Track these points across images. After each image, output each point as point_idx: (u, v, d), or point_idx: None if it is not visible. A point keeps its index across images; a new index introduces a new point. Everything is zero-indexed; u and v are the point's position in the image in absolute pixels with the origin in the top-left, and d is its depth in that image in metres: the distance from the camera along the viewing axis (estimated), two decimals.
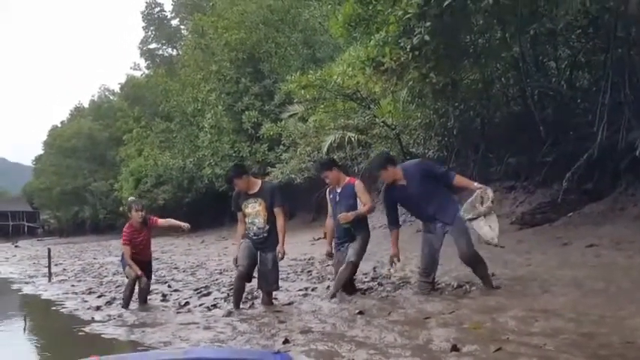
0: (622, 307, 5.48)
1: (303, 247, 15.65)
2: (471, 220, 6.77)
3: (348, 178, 7.98)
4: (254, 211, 7.59)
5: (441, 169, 7.63)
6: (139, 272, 8.67)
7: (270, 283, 7.64)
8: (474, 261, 6.96)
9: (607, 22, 11.07)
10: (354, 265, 7.71)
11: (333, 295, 7.67)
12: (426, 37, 9.75)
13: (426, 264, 7.23)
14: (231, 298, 8.04)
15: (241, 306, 7.84)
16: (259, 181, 7.87)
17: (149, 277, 9.14)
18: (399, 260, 7.59)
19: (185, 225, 9.09)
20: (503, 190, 14.56)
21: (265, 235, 7.53)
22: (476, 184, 7.01)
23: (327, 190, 8.18)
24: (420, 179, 7.00)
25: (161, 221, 9.25)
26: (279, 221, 7.56)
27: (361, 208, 7.64)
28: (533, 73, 13.85)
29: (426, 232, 7.24)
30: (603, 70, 11.43)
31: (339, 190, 7.88)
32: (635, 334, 4.63)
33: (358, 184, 7.86)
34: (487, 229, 6.71)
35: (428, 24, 9.64)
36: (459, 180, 7.12)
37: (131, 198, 8.99)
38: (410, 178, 7.03)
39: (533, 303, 6.00)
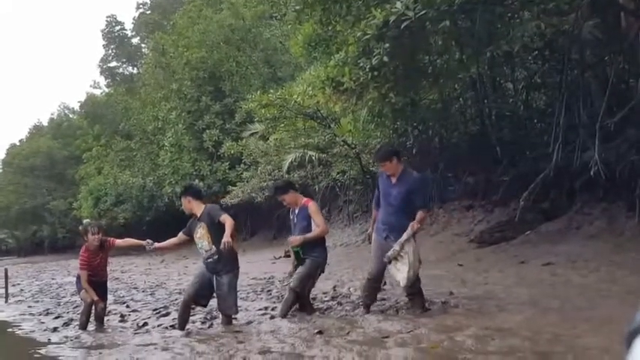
0: (576, 325, 5.56)
1: (263, 266, 15.58)
2: (388, 262, 6.84)
3: (304, 200, 7.93)
4: (199, 235, 7.54)
5: (427, 197, 7.60)
6: (95, 297, 8.51)
7: (229, 305, 7.51)
8: (418, 287, 6.97)
9: (562, 45, 11.30)
10: (294, 292, 7.66)
11: (282, 316, 7.65)
12: (385, 58, 9.82)
13: (378, 269, 7.18)
14: (194, 318, 8.00)
15: (200, 326, 7.80)
16: (203, 206, 7.74)
17: (104, 298, 8.96)
18: (370, 241, 7.53)
19: (147, 242, 8.80)
20: (462, 208, 14.72)
21: (216, 257, 7.41)
22: (413, 224, 6.95)
23: (290, 211, 8.15)
24: (410, 188, 6.94)
25: (119, 241, 9.03)
26: (227, 222, 7.27)
27: (314, 230, 7.61)
28: (490, 94, 14.08)
29: (380, 239, 7.15)
30: (559, 91, 11.66)
31: (296, 212, 7.88)
32: (588, 352, 4.70)
33: (312, 206, 7.80)
34: (395, 271, 6.80)
35: (387, 45, 9.72)
36: (419, 215, 7.02)
37: (86, 220, 8.64)
38: (404, 181, 6.97)
39: (490, 322, 6.06)
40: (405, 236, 6.75)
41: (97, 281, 8.66)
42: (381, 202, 7.18)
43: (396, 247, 6.72)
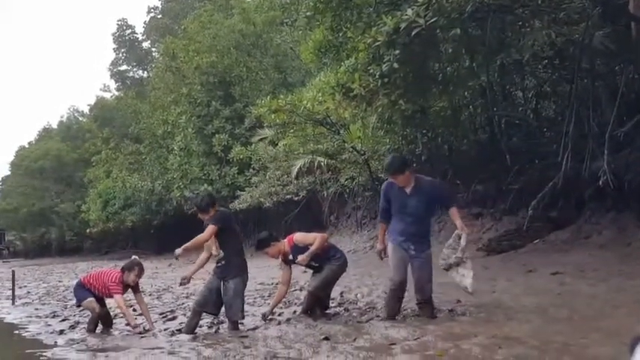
0: (585, 335, 5.52)
1: (270, 271, 15.55)
2: (447, 269, 6.86)
3: (286, 242, 8.07)
4: (210, 241, 7.68)
5: (450, 195, 7.63)
6: (134, 322, 8.48)
7: (234, 312, 7.56)
8: (429, 295, 6.97)
9: (572, 54, 11.27)
10: (310, 294, 7.93)
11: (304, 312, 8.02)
12: (395, 65, 9.82)
13: (402, 278, 6.95)
14: (200, 322, 8.04)
15: (207, 330, 7.83)
16: (212, 212, 7.76)
17: (103, 304, 8.97)
18: (385, 255, 7.31)
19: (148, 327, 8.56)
20: (470, 216, 14.69)
21: (223, 261, 7.54)
22: (459, 222, 6.97)
23: (285, 261, 8.20)
24: (428, 197, 6.91)
25: (140, 299, 8.90)
26: (201, 234, 7.43)
27: (314, 244, 7.77)
28: (500, 102, 14.06)
29: (400, 250, 6.95)
30: (568, 100, 11.63)
31: (290, 258, 8.02)
32: None
33: (297, 237, 8.07)
34: (460, 277, 6.83)
35: (397, 52, 9.72)
36: (454, 212, 7.06)
37: (134, 257, 8.73)
38: (418, 191, 6.88)
39: (497, 330, 6.02)
40: (464, 242, 6.82)
41: (101, 297, 8.72)
42: (396, 214, 7.04)
43: (459, 253, 6.80)
